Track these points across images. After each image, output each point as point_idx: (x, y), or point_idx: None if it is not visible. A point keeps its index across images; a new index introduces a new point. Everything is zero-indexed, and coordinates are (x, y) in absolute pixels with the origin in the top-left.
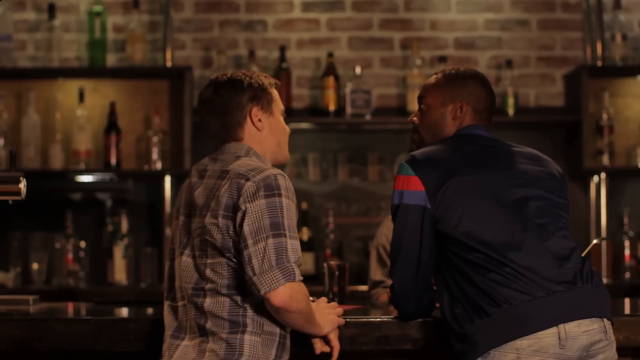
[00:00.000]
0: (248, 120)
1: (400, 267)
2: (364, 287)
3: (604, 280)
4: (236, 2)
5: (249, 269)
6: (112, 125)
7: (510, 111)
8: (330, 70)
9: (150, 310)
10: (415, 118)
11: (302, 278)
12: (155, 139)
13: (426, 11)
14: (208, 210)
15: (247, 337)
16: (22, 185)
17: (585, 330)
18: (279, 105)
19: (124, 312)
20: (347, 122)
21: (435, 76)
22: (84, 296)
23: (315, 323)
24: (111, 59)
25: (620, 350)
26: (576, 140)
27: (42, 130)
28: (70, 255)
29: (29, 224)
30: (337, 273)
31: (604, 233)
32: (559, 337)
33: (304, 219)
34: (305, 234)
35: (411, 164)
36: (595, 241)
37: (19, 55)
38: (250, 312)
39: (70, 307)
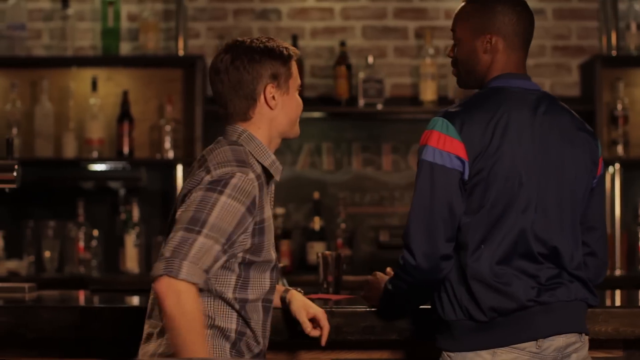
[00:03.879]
0: (261, 98)
1: (417, 228)
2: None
3: (618, 272)
4: None
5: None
6: (125, 114)
7: None
8: (343, 59)
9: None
10: (450, 52)
11: (193, 280)
12: (167, 128)
13: (441, 0)
14: (178, 201)
15: None
16: (16, 173)
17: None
18: (296, 81)
19: (113, 299)
20: (359, 112)
21: (462, 5)
22: (95, 284)
23: (188, 348)
24: (125, 48)
25: (611, 342)
26: None
27: (56, 119)
28: (82, 244)
29: (42, 212)
30: (331, 262)
31: (618, 224)
32: (536, 342)
33: (316, 208)
34: (317, 223)
35: (454, 122)
36: None
37: (33, 44)
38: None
39: (64, 295)
